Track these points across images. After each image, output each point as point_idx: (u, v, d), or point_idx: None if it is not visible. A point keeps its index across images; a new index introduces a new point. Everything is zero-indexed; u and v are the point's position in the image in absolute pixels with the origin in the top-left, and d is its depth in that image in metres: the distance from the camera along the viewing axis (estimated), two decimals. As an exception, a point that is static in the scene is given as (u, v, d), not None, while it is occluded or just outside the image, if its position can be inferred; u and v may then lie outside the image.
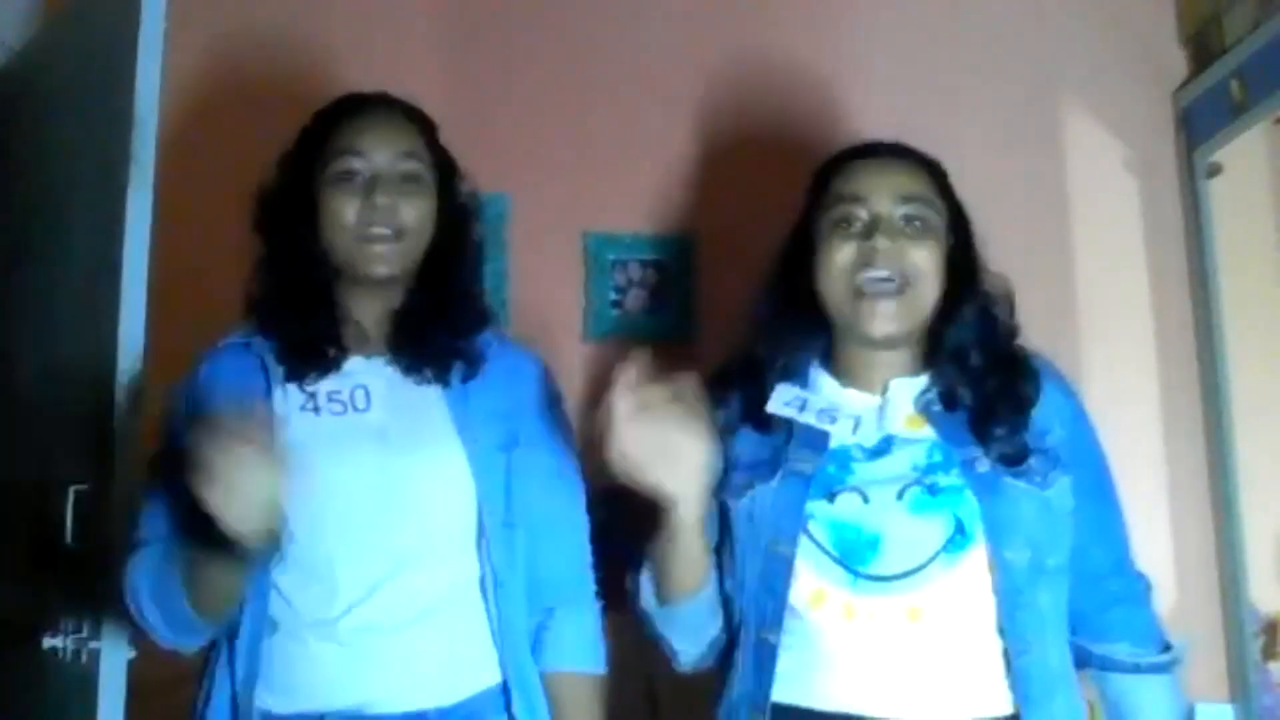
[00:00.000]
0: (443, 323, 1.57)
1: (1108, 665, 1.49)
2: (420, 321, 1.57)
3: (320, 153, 1.56)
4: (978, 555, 1.39)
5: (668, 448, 1.32)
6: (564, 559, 1.58)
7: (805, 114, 2.50)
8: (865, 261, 1.44)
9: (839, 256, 1.46)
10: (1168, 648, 1.50)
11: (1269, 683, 2.41)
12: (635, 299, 2.48)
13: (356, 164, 1.54)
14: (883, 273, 1.44)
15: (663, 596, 1.45)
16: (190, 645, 1.51)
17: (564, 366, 2.29)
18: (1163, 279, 2.58)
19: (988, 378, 1.47)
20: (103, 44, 1.93)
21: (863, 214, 1.46)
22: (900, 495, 1.41)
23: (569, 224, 2.48)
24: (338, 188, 1.54)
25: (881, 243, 1.44)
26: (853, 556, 1.39)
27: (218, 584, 1.40)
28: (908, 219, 1.47)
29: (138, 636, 1.63)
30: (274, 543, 1.37)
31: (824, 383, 1.52)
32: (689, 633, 1.50)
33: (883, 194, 1.47)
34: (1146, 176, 2.62)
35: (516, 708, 1.49)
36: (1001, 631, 1.39)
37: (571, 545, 1.60)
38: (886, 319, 1.45)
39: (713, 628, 1.50)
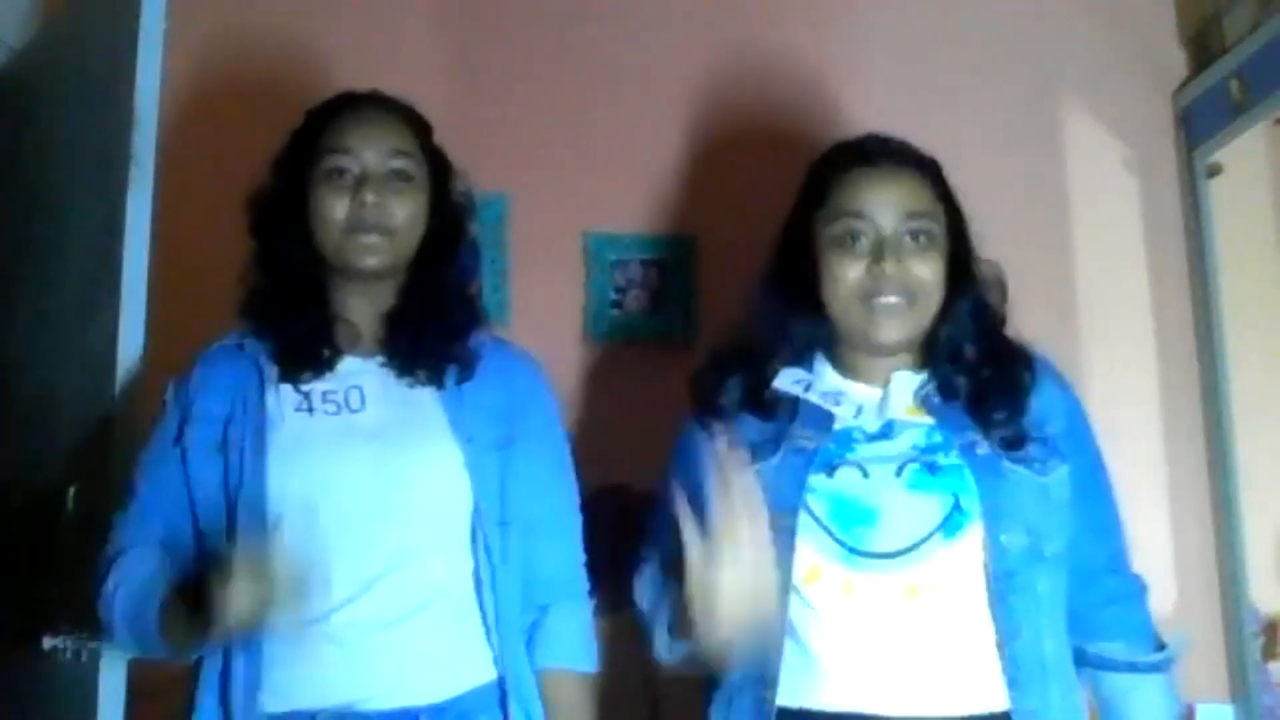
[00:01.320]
0: (435, 325, 1.57)
1: (1103, 664, 1.49)
2: (413, 324, 1.57)
3: (311, 152, 1.56)
4: (974, 536, 1.39)
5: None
6: (557, 557, 1.58)
7: (806, 114, 2.50)
8: (875, 285, 1.45)
9: (847, 275, 1.46)
10: (1162, 647, 1.50)
11: (1269, 683, 2.41)
12: (635, 299, 2.48)
13: (346, 162, 1.54)
14: (893, 298, 1.45)
15: (679, 638, 1.42)
16: (154, 658, 1.53)
17: (564, 366, 2.30)
18: (1163, 279, 2.58)
19: (982, 367, 1.48)
20: (103, 44, 1.93)
21: (869, 232, 1.47)
22: (899, 472, 1.42)
23: (569, 224, 2.48)
24: (327, 186, 1.54)
25: (890, 266, 1.45)
26: (849, 531, 1.40)
27: (186, 637, 1.41)
28: (913, 234, 1.47)
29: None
30: (248, 633, 1.39)
31: (827, 374, 1.53)
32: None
33: (888, 212, 1.47)
34: (1146, 176, 2.62)
35: (512, 706, 1.49)
36: (993, 615, 1.39)
37: (565, 544, 1.60)
38: (895, 329, 1.47)
39: None
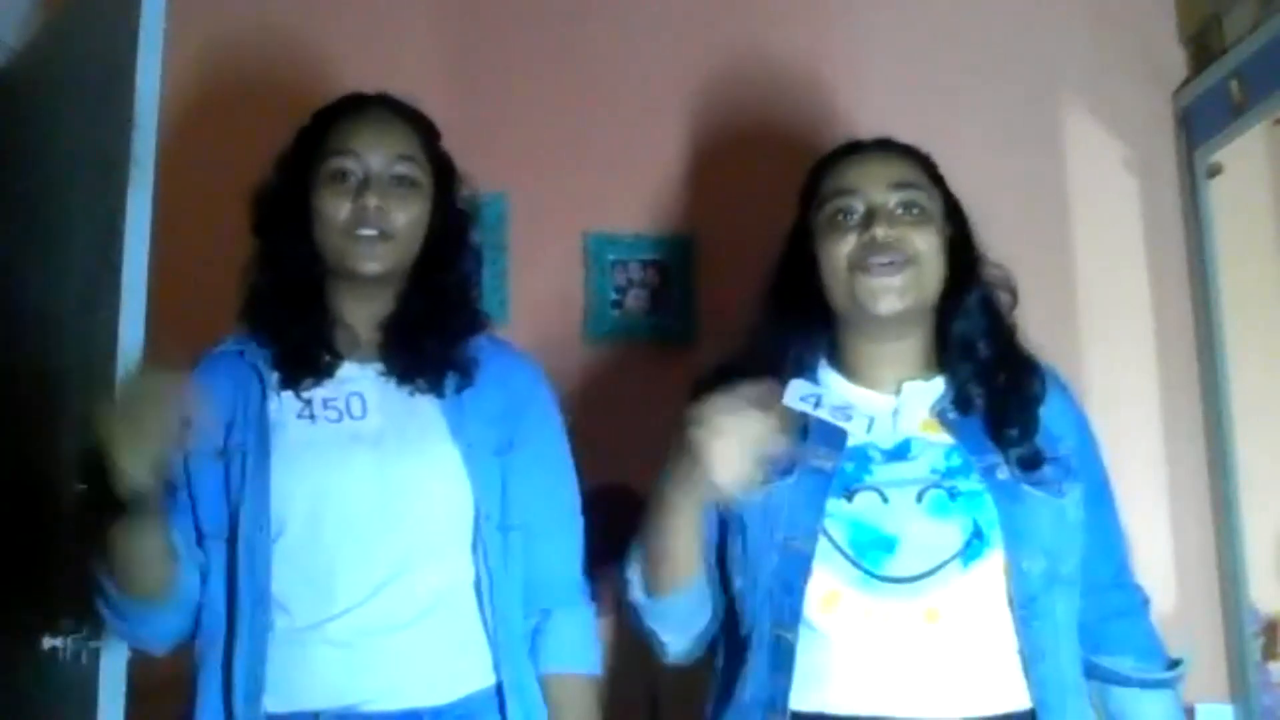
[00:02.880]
0: (434, 332, 1.56)
1: (1112, 679, 1.49)
2: (411, 333, 1.56)
3: (316, 153, 1.56)
4: (994, 562, 1.39)
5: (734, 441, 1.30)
6: (559, 561, 1.58)
7: (805, 114, 2.50)
8: (867, 250, 1.45)
9: (839, 248, 1.46)
10: (1171, 663, 1.51)
11: (1269, 683, 2.41)
12: (635, 299, 2.48)
13: (350, 164, 1.54)
14: (885, 257, 1.44)
15: (653, 588, 1.45)
16: (145, 640, 1.53)
17: (564, 366, 2.30)
18: (1163, 279, 2.58)
19: (998, 373, 1.48)
20: (103, 44, 1.93)
21: (858, 205, 1.47)
22: (920, 498, 1.41)
23: (569, 224, 2.47)
24: (330, 187, 1.53)
25: (880, 231, 1.44)
26: (868, 557, 1.39)
27: (124, 550, 1.40)
28: (904, 206, 1.47)
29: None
30: (159, 491, 1.36)
31: (833, 381, 1.52)
32: (678, 625, 1.49)
33: (876, 183, 1.47)
34: (1146, 176, 2.62)
35: (511, 709, 1.49)
36: (1017, 640, 1.39)
37: (567, 548, 1.60)
38: (891, 295, 1.45)
39: (701, 619, 1.49)
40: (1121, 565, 1.55)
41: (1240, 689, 2.40)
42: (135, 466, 1.30)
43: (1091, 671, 1.49)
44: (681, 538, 1.40)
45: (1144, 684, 1.49)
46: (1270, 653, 2.43)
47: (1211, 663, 2.40)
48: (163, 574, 1.45)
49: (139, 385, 1.33)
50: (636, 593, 1.47)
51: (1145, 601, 1.55)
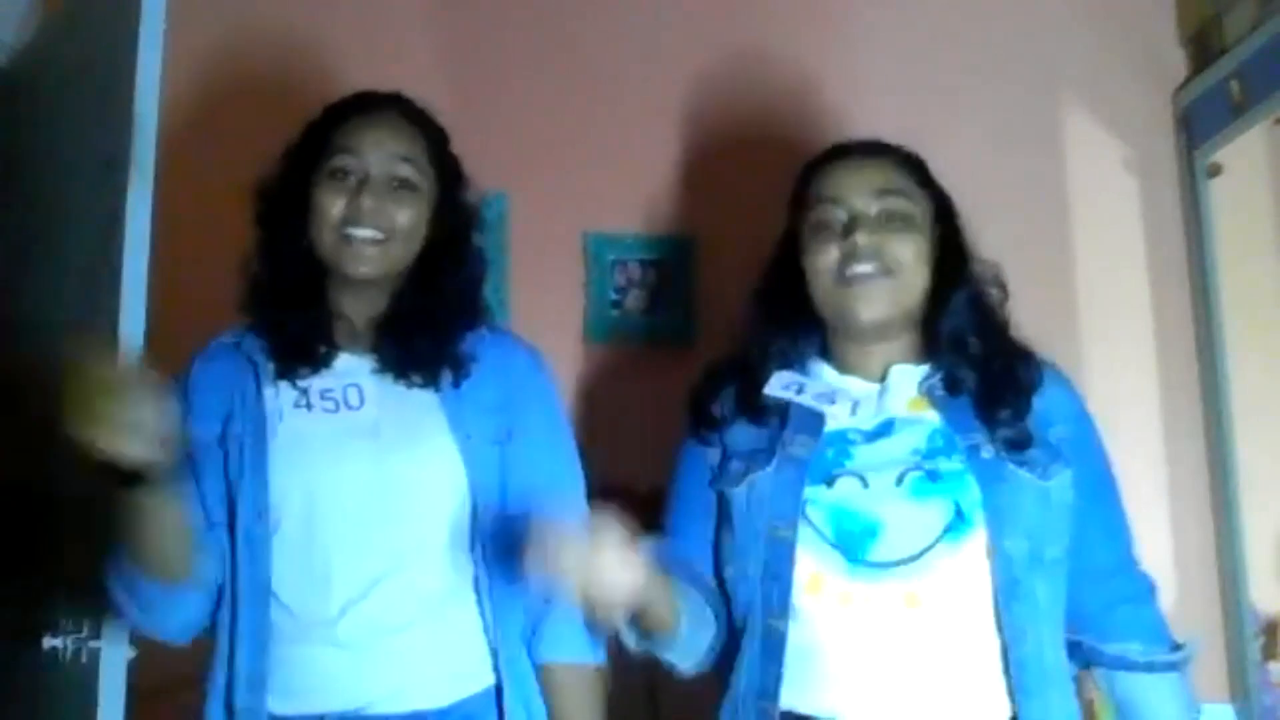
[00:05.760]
0: (428, 330, 1.56)
1: (1119, 664, 1.48)
2: (405, 329, 1.56)
3: (320, 148, 1.56)
4: (977, 542, 1.39)
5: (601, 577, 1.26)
6: None
7: (805, 115, 2.50)
8: (848, 258, 1.45)
9: (823, 259, 1.47)
10: (1177, 646, 1.50)
11: (1269, 683, 2.41)
12: (635, 299, 2.48)
13: (350, 163, 1.54)
14: (866, 267, 1.45)
15: (643, 638, 1.44)
16: (167, 628, 1.52)
17: (564, 366, 2.30)
18: (1163, 279, 2.58)
19: (990, 361, 1.48)
20: (103, 44, 1.93)
21: (841, 214, 1.48)
22: (900, 480, 1.41)
23: (569, 224, 2.48)
24: (328, 184, 1.53)
25: (861, 238, 1.45)
26: (851, 543, 1.39)
27: (139, 528, 1.39)
28: (887, 214, 1.47)
29: (137, 636, 1.63)
30: (165, 466, 1.33)
31: (824, 372, 1.53)
32: (682, 652, 1.48)
33: (858, 191, 1.48)
34: (1146, 176, 2.62)
35: (511, 707, 1.49)
36: (998, 622, 1.39)
37: None
38: (872, 303, 1.45)
39: (705, 637, 1.49)
40: (1125, 552, 1.54)
41: (1240, 689, 2.40)
42: (129, 445, 1.25)
43: (1098, 659, 1.49)
44: (651, 609, 1.37)
45: (1150, 668, 1.47)
46: (1270, 653, 2.43)
47: (1211, 663, 2.40)
48: (182, 553, 1.44)
49: (125, 375, 1.28)
50: (630, 642, 1.45)
51: (1152, 588, 1.54)
